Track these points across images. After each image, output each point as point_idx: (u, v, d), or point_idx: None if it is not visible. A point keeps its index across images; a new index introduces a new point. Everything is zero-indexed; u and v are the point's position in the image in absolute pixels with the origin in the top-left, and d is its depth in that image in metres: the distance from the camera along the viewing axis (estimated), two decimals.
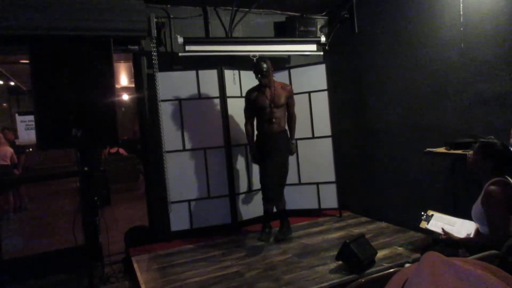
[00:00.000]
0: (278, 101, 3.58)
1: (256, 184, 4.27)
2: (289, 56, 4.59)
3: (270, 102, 3.56)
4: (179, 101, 3.95)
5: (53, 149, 2.97)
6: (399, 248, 3.24)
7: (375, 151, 4.22)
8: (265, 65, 3.49)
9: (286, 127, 3.72)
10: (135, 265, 3.33)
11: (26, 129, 6.42)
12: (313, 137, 4.34)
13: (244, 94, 4.23)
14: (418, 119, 3.61)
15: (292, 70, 4.37)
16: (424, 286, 0.44)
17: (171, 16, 4.05)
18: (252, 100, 3.63)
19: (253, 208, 4.24)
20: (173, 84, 3.92)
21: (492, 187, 2.15)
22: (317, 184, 4.33)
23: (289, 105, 3.69)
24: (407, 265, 2.60)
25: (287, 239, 3.67)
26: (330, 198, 4.30)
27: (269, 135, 3.59)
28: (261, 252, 3.41)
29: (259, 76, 3.52)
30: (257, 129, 3.72)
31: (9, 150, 6.39)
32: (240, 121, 4.15)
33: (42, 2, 3.10)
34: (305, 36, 4.28)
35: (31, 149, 8.69)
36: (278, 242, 3.58)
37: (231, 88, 4.09)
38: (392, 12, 3.82)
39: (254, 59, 3.78)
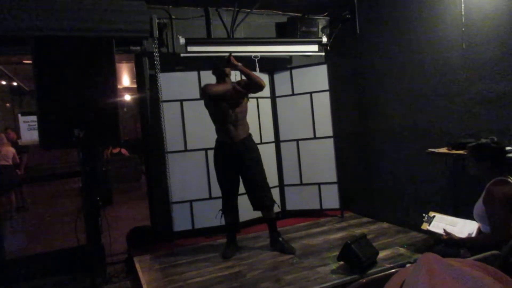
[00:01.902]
0: (239, 100, 3.24)
1: None
2: (290, 56, 4.59)
3: (231, 100, 3.22)
4: (181, 102, 3.96)
5: (55, 149, 2.97)
6: (400, 249, 3.23)
7: (377, 152, 4.22)
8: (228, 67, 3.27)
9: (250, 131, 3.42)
10: (137, 265, 3.34)
11: (28, 129, 6.45)
12: (315, 138, 4.34)
13: None
14: (419, 119, 3.61)
15: (293, 71, 4.38)
16: (421, 287, 0.44)
17: (173, 17, 4.06)
18: (212, 95, 3.18)
19: None
20: (174, 85, 3.93)
21: (494, 187, 2.15)
22: (319, 184, 4.33)
23: (246, 86, 3.27)
24: (408, 265, 2.61)
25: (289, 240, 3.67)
26: (331, 198, 4.30)
27: (236, 145, 3.24)
28: (262, 252, 3.42)
29: (223, 77, 3.27)
30: (218, 134, 3.33)
31: (11, 150, 6.41)
32: None
33: (45, 3, 3.11)
34: (306, 37, 4.29)
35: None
36: (292, 253, 3.29)
37: None
38: (394, 12, 3.82)
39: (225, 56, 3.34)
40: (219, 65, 3.26)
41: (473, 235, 2.35)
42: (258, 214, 4.24)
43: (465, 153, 2.35)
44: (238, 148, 3.26)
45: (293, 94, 4.38)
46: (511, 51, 2.81)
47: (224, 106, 3.22)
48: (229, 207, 3.46)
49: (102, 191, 3.27)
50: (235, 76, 4.12)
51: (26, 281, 3.41)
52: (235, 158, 3.27)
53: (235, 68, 3.24)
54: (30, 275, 3.45)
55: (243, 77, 3.33)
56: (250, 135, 3.40)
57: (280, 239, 3.45)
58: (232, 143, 3.26)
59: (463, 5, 3.11)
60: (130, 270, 3.51)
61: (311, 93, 4.31)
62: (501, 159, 2.20)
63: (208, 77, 3.99)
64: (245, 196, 4.15)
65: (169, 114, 3.91)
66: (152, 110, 3.95)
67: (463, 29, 3.12)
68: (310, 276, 2.84)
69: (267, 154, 4.43)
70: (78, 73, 2.67)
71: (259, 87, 3.21)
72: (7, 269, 3.45)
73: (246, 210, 4.14)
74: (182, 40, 3.78)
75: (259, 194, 3.38)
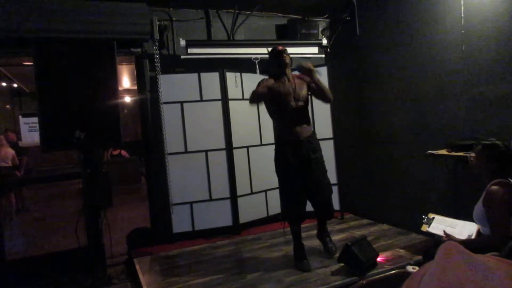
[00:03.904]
0: (301, 93, 3.01)
1: (257, 186, 4.28)
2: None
3: (294, 94, 2.97)
4: (181, 104, 3.97)
5: (55, 151, 2.97)
6: (400, 251, 3.24)
7: (377, 153, 4.23)
8: (287, 56, 3.04)
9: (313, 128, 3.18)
10: (137, 267, 3.34)
11: (29, 130, 6.47)
12: None
13: (245, 97, 4.25)
14: (419, 121, 3.62)
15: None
16: (434, 269, 0.46)
17: (174, 19, 4.07)
18: (270, 88, 2.97)
19: (254, 210, 4.24)
20: (175, 87, 3.94)
21: (494, 187, 2.15)
22: None
23: (313, 90, 3.07)
24: (408, 267, 2.60)
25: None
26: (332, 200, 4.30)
27: (301, 143, 2.96)
28: (262, 254, 3.42)
29: (282, 69, 3.01)
30: (280, 133, 3.09)
31: (10, 152, 6.42)
32: (241, 123, 4.16)
33: (46, 5, 3.12)
34: (306, 39, 4.30)
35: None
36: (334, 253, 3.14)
37: (233, 90, 4.10)
38: (394, 14, 3.83)
39: (268, 49, 3.21)
40: (281, 60, 3.02)
41: (473, 237, 2.36)
42: (257, 215, 4.27)
43: (475, 150, 2.34)
44: (304, 147, 2.96)
45: None
46: (510, 54, 2.82)
47: (287, 100, 2.96)
48: (296, 213, 3.08)
49: (102, 193, 3.28)
50: (235, 79, 4.14)
51: (26, 282, 3.41)
52: (301, 158, 2.96)
53: (312, 79, 2.98)
54: (31, 276, 3.45)
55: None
56: (314, 132, 3.11)
57: (328, 239, 3.28)
58: (298, 142, 2.96)
59: (462, 8, 3.12)
60: (130, 272, 3.51)
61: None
62: (508, 163, 2.21)
63: (209, 78, 4.02)
64: (244, 198, 4.18)
65: (170, 115, 3.92)
66: (152, 111, 3.96)
67: (462, 31, 3.14)
68: (310, 277, 2.85)
69: (267, 156, 4.43)
70: (79, 75, 2.69)
71: (327, 102, 3.13)
72: (8, 270, 3.45)
73: (247, 211, 4.16)
74: (182, 42, 3.79)
75: (321, 199, 3.08)
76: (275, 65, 3.07)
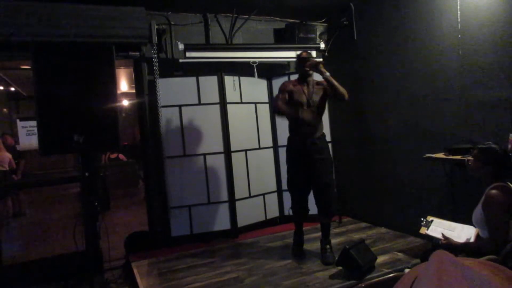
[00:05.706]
0: (316, 99, 3.18)
1: (255, 190, 4.29)
2: (288, 62, 4.62)
3: (307, 100, 3.17)
4: (180, 107, 3.98)
5: (54, 155, 2.96)
6: (398, 254, 3.24)
7: (375, 157, 4.24)
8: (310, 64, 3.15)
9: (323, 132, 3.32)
10: (135, 271, 3.33)
11: (27, 134, 6.44)
12: None
13: (243, 100, 4.26)
14: (417, 124, 3.64)
15: (291, 76, 4.39)
16: (429, 282, 0.46)
17: (172, 23, 4.08)
18: (288, 93, 3.18)
19: (252, 214, 4.24)
20: (173, 90, 3.95)
21: (493, 191, 2.16)
22: None
23: (329, 93, 3.19)
24: (406, 270, 2.60)
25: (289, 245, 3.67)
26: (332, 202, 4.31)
27: (308, 141, 3.15)
28: (260, 257, 3.42)
29: (303, 75, 3.21)
30: (290, 131, 3.30)
31: (7, 156, 6.39)
32: (239, 127, 4.17)
33: (45, 9, 3.13)
34: (304, 43, 4.32)
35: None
36: (330, 264, 3.14)
37: (231, 94, 4.11)
38: (391, 19, 3.86)
39: (301, 54, 3.27)
40: (303, 67, 3.18)
41: (472, 240, 2.36)
42: (256, 219, 4.27)
43: (472, 154, 2.35)
44: (308, 147, 3.15)
45: None
46: (507, 58, 2.84)
47: (300, 105, 3.16)
48: (298, 207, 3.35)
49: (100, 196, 3.26)
50: (233, 82, 4.15)
51: (23, 287, 3.38)
52: (305, 157, 3.16)
53: (321, 74, 3.12)
54: (28, 281, 3.43)
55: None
56: (323, 134, 3.28)
57: (328, 247, 3.30)
58: (303, 142, 3.16)
59: (459, 12, 3.14)
60: (128, 276, 3.49)
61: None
62: (504, 165, 2.21)
63: (208, 82, 4.03)
64: (242, 201, 4.17)
65: (168, 119, 3.92)
66: (150, 115, 3.96)
67: (459, 36, 3.16)
68: (308, 281, 2.85)
69: (265, 159, 4.45)
70: (78, 79, 2.68)
71: (342, 100, 3.15)
72: (5, 275, 3.42)
73: (245, 215, 4.16)
74: (181, 46, 3.80)
75: (320, 198, 3.24)
76: (298, 69, 3.31)
